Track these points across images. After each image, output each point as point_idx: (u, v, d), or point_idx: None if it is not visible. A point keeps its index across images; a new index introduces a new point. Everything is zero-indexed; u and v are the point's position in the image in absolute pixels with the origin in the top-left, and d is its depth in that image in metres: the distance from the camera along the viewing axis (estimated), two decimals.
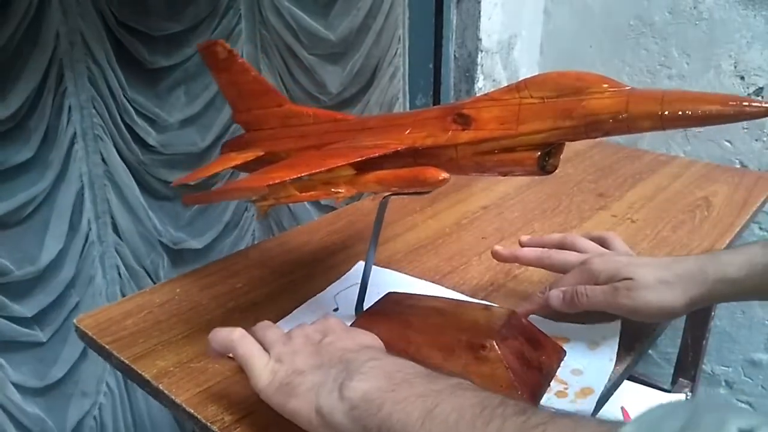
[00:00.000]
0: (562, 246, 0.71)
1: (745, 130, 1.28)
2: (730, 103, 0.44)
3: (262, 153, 0.69)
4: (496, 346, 0.56)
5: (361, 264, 0.77)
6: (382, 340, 0.59)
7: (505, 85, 0.59)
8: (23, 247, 0.85)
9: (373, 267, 0.75)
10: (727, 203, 0.99)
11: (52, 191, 0.87)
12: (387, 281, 0.69)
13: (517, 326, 0.60)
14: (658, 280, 0.60)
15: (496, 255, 0.74)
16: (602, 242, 0.72)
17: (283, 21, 1.07)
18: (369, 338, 0.54)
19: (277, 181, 0.54)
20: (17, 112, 0.79)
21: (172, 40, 0.95)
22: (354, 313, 0.67)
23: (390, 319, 0.62)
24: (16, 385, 0.87)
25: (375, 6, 1.17)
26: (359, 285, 0.69)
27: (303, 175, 0.55)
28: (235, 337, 0.51)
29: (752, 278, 0.58)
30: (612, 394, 0.62)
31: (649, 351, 1.46)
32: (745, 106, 0.44)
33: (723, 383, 1.46)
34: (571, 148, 1.32)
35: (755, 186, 1.07)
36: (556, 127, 0.51)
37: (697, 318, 1.19)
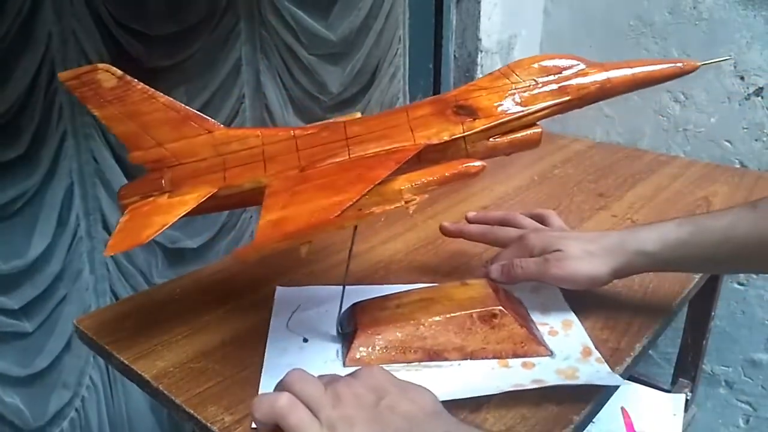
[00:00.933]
0: (504, 222, 0.77)
1: (745, 130, 1.28)
2: (674, 64, 0.63)
3: (214, 189, 0.60)
4: (506, 311, 0.62)
5: (281, 289, 0.73)
6: (396, 344, 0.60)
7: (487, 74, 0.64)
8: (12, 242, 0.85)
9: (299, 288, 0.73)
10: (727, 203, 0.99)
11: (41, 188, 0.87)
12: (322, 296, 0.69)
13: (497, 290, 0.66)
14: (584, 251, 0.66)
15: (443, 230, 0.79)
16: (541, 219, 0.77)
17: (282, 21, 1.07)
18: (427, 396, 0.47)
19: (347, 206, 0.51)
20: (8, 111, 0.80)
21: (171, 41, 0.95)
22: (335, 333, 0.64)
23: (393, 323, 0.61)
24: None
25: (375, 6, 1.17)
26: (297, 309, 0.68)
27: (364, 194, 0.53)
28: (282, 404, 0.44)
29: (665, 252, 0.64)
30: (612, 394, 0.62)
31: (649, 351, 1.46)
32: (682, 65, 0.63)
33: (723, 383, 1.46)
34: (570, 148, 1.32)
35: (755, 186, 1.07)
36: (556, 104, 0.60)
37: (697, 318, 1.19)
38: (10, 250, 0.85)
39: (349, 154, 0.60)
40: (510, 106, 0.60)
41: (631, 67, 0.62)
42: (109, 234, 0.96)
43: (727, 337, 1.41)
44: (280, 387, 0.46)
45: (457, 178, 0.57)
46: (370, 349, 0.60)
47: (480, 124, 0.60)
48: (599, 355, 0.63)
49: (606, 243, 0.66)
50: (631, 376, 0.91)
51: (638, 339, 0.66)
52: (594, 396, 0.58)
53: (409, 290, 0.67)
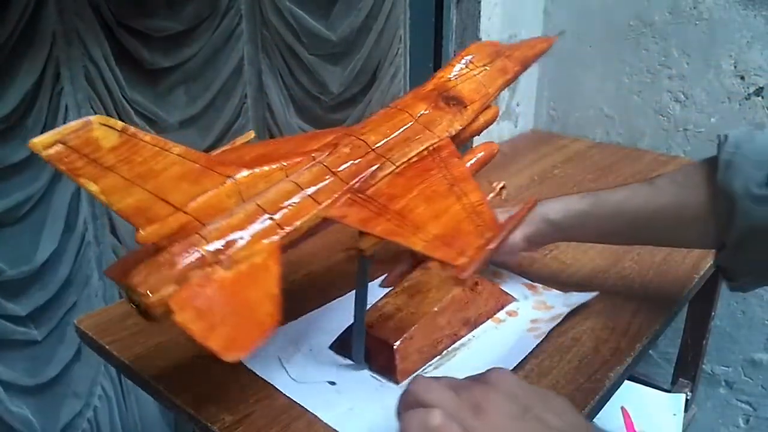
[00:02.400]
0: None
1: None
2: (545, 40, 0.75)
3: (276, 240, 0.50)
4: (480, 278, 0.70)
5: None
6: (427, 342, 0.63)
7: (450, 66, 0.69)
8: (19, 247, 0.85)
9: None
10: None
11: (47, 191, 0.86)
12: (292, 337, 0.66)
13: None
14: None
15: None
16: None
17: (284, 21, 1.07)
18: (568, 406, 0.44)
19: (488, 204, 0.53)
20: (14, 112, 0.79)
21: (173, 41, 0.95)
22: (357, 362, 0.63)
23: (412, 325, 0.62)
24: (5, 383, 0.86)
25: (376, 6, 1.17)
26: (282, 360, 0.63)
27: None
28: (436, 423, 0.40)
29: (566, 221, 0.70)
30: (612, 393, 0.62)
31: (649, 351, 1.46)
32: (550, 40, 0.74)
33: (723, 383, 1.46)
34: (570, 148, 1.32)
35: None
36: (503, 82, 0.68)
37: (697, 318, 1.19)
38: (17, 255, 0.84)
39: (393, 163, 0.57)
40: (480, 90, 0.66)
41: (531, 47, 0.73)
42: (118, 239, 0.95)
43: (727, 337, 1.41)
44: (409, 397, 0.43)
45: (488, 160, 0.62)
46: (412, 356, 0.61)
47: (471, 111, 0.64)
48: (541, 284, 0.76)
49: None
50: (631, 376, 0.91)
51: (638, 339, 0.66)
52: (595, 391, 0.58)
53: (389, 292, 0.68)
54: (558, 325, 0.68)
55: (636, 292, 0.76)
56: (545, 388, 0.59)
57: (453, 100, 0.63)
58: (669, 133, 1.38)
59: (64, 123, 0.85)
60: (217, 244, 0.45)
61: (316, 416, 0.56)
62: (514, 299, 0.73)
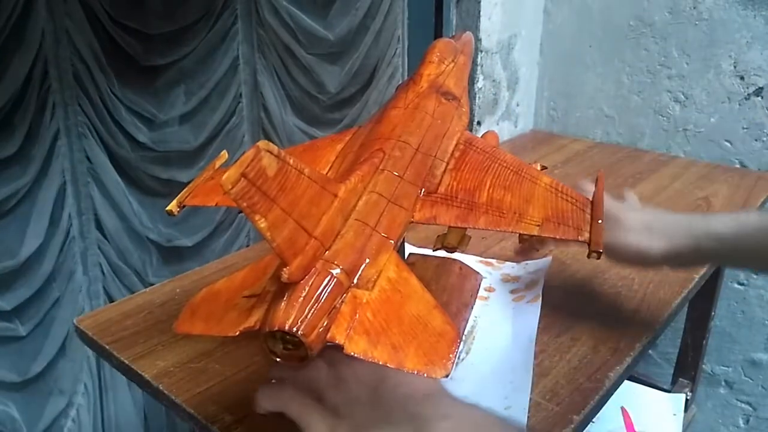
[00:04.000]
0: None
1: (745, 130, 1.28)
2: (469, 35, 0.77)
3: (392, 254, 0.48)
4: (461, 262, 0.73)
5: None
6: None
7: (430, 71, 0.69)
8: (4, 242, 0.85)
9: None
10: (727, 203, 0.99)
11: (33, 187, 0.86)
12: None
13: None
14: (642, 223, 0.62)
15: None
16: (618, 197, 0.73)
17: (280, 20, 1.06)
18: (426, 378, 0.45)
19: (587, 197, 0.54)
20: (1, 110, 0.79)
21: (168, 39, 0.95)
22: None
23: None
24: None
25: (374, 6, 1.17)
26: None
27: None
28: (285, 396, 0.45)
29: (740, 239, 0.58)
30: (612, 393, 0.62)
31: (649, 351, 1.46)
32: (468, 33, 0.77)
33: (723, 383, 1.46)
34: (570, 148, 1.32)
35: (755, 186, 1.07)
36: (467, 75, 0.71)
37: (697, 318, 1.19)
38: (2, 250, 0.84)
39: (442, 161, 0.57)
40: (459, 84, 0.68)
41: (468, 42, 0.75)
42: (104, 234, 0.95)
43: (727, 337, 1.41)
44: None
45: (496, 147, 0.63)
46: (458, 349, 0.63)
47: (464, 103, 0.66)
48: (493, 258, 0.81)
49: (670, 219, 0.62)
50: (631, 376, 0.91)
51: (638, 339, 0.66)
52: (593, 392, 0.58)
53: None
54: (556, 322, 0.68)
55: (636, 292, 0.75)
56: (545, 388, 0.59)
57: (449, 96, 0.64)
58: (669, 133, 1.38)
59: (51, 120, 0.86)
60: (344, 267, 0.43)
61: None
62: (483, 277, 0.76)
